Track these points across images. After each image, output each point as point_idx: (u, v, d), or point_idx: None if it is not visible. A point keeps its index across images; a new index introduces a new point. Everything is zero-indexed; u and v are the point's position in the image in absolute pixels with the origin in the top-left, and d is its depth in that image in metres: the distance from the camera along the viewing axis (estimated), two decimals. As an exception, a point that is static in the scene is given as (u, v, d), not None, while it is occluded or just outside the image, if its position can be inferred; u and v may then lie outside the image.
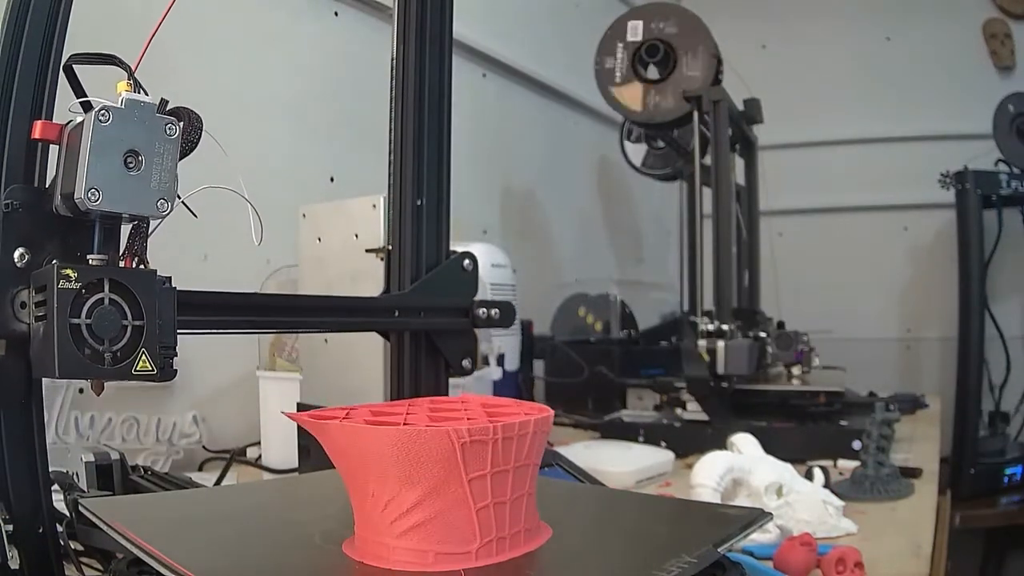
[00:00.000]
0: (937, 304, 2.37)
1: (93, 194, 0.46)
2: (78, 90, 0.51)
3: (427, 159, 0.87)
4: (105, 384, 0.50)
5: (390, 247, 0.83)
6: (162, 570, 0.45)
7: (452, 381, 0.84)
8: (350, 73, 1.43)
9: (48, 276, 0.46)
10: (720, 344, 1.27)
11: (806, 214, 2.59)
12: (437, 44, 0.88)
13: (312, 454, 0.85)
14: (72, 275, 0.46)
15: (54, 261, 0.47)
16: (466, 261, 0.86)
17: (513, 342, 1.36)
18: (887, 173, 2.48)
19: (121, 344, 0.48)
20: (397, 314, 0.80)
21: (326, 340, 0.96)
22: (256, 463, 1.02)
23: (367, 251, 0.89)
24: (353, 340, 0.91)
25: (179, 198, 0.54)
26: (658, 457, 1.11)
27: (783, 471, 0.85)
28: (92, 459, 0.67)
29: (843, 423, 1.23)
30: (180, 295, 0.54)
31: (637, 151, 2.06)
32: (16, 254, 0.49)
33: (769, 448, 0.90)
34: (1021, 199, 1.99)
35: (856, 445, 1.13)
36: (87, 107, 0.48)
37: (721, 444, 0.92)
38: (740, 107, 1.60)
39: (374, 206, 0.90)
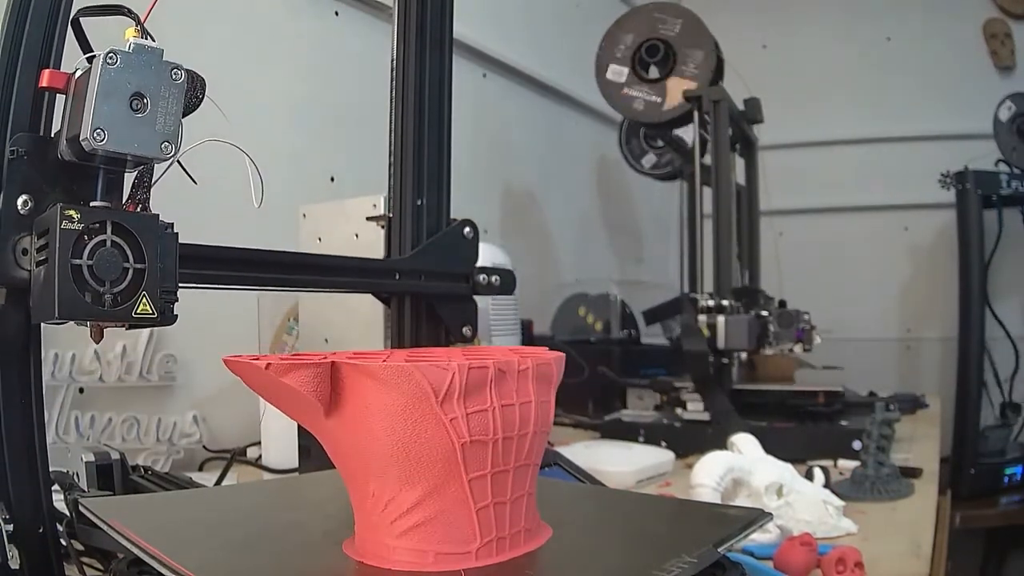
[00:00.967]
0: (937, 304, 2.37)
1: (99, 134, 0.47)
2: (85, 46, 0.52)
3: (427, 159, 0.87)
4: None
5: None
6: (162, 570, 0.45)
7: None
8: (350, 73, 1.43)
9: (51, 218, 0.47)
10: (720, 319, 1.26)
11: (806, 214, 2.59)
12: (437, 44, 0.88)
13: (312, 454, 0.85)
14: (75, 216, 0.47)
15: (58, 203, 0.47)
16: (466, 229, 0.86)
17: (513, 342, 1.36)
18: (887, 173, 2.48)
19: (122, 287, 0.48)
20: (398, 277, 0.80)
21: (327, 340, 0.97)
22: (256, 463, 1.02)
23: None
24: (355, 340, 0.91)
25: (180, 163, 0.54)
26: (658, 457, 1.11)
27: (783, 471, 0.85)
28: (92, 459, 0.67)
29: (843, 423, 1.23)
30: (182, 247, 0.54)
31: (649, 160, 2.06)
32: (19, 201, 0.49)
33: (769, 448, 0.90)
34: (1021, 199, 1.99)
35: (856, 445, 1.13)
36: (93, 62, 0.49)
37: (721, 444, 0.92)
38: (740, 107, 1.60)
39: (374, 206, 0.90)
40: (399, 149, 0.87)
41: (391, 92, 0.90)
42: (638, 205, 2.66)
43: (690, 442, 1.20)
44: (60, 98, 0.51)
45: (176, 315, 0.53)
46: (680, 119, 1.48)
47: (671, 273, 2.30)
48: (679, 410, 1.32)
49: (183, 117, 0.51)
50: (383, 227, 0.85)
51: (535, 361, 0.52)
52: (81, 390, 1.01)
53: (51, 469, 0.57)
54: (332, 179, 1.40)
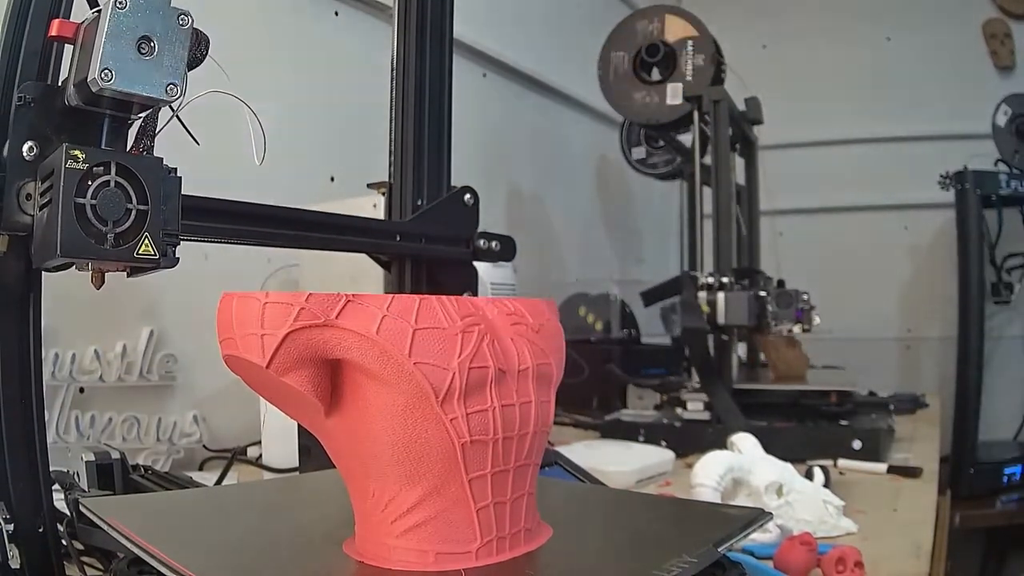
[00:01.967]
0: (937, 304, 2.37)
1: (106, 74, 0.47)
2: (91, 2, 0.52)
3: (427, 159, 0.87)
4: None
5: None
6: (162, 570, 0.45)
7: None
8: (350, 73, 1.43)
9: (56, 158, 0.47)
10: (720, 295, 1.26)
11: (806, 214, 2.59)
12: (437, 44, 0.89)
13: (312, 454, 0.85)
14: (80, 156, 0.47)
15: (64, 144, 0.48)
16: (467, 196, 0.87)
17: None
18: (887, 173, 2.48)
19: (124, 227, 0.49)
20: (399, 239, 0.81)
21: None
22: (257, 462, 1.02)
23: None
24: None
25: (179, 118, 0.55)
26: (658, 457, 1.11)
27: (783, 470, 0.85)
28: (93, 458, 0.67)
29: (843, 423, 1.23)
30: (184, 199, 0.54)
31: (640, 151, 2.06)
32: (25, 147, 0.50)
33: (769, 448, 0.90)
34: (1021, 199, 1.99)
35: (857, 445, 1.14)
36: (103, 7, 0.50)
37: (721, 444, 0.92)
38: (740, 107, 1.60)
39: (375, 206, 0.90)
40: (399, 149, 0.87)
41: (391, 92, 0.90)
42: (638, 205, 2.66)
43: (690, 442, 1.20)
44: (67, 54, 0.52)
45: (178, 258, 0.53)
46: (681, 120, 1.48)
47: (671, 273, 2.29)
48: (679, 410, 1.32)
49: (187, 71, 0.52)
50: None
51: (535, 360, 0.52)
52: (81, 390, 1.01)
53: (51, 469, 0.57)
54: (332, 179, 1.40)
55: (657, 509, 0.68)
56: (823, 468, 0.91)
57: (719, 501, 0.79)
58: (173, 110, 0.54)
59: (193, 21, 0.52)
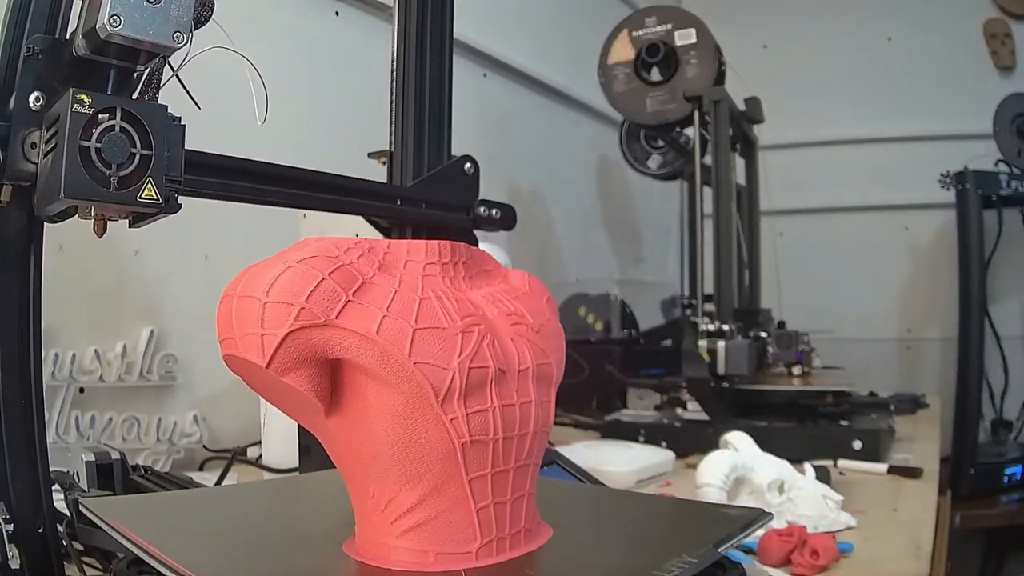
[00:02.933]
0: (937, 304, 2.37)
1: (115, 20, 0.48)
2: None
3: (428, 159, 0.87)
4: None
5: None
6: (162, 570, 0.45)
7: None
8: (351, 73, 1.43)
9: (63, 103, 0.48)
10: (720, 344, 1.27)
11: (806, 214, 2.59)
12: (437, 44, 0.89)
13: (312, 454, 0.85)
14: (87, 100, 0.48)
15: (71, 88, 0.49)
16: (467, 164, 0.87)
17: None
18: (887, 173, 2.48)
19: (128, 171, 0.49)
20: (399, 203, 0.81)
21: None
22: (257, 463, 1.02)
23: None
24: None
25: (178, 78, 0.55)
26: (658, 457, 1.11)
27: (782, 467, 0.85)
28: (92, 459, 0.66)
29: (843, 423, 1.23)
30: (186, 153, 0.55)
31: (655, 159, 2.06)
32: (32, 97, 0.51)
33: (769, 448, 0.90)
34: (1021, 199, 1.99)
35: (857, 445, 1.14)
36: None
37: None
38: (741, 107, 1.60)
39: (374, 206, 0.90)
40: (400, 149, 0.87)
41: (391, 92, 0.90)
42: (638, 205, 2.66)
43: (690, 442, 1.20)
44: (75, 12, 0.52)
45: (180, 204, 0.53)
46: (682, 120, 1.48)
47: (671, 273, 2.30)
48: (679, 410, 1.32)
49: (192, 30, 0.53)
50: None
51: (535, 361, 0.52)
52: (81, 390, 1.01)
53: (51, 469, 0.57)
54: (332, 179, 1.40)
55: (657, 509, 0.68)
56: (815, 466, 0.91)
57: (725, 501, 0.79)
58: (173, 69, 0.55)
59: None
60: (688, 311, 1.83)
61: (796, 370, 1.37)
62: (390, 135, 0.88)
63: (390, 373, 0.45)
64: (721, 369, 1.26)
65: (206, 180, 0.65)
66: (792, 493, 0.82)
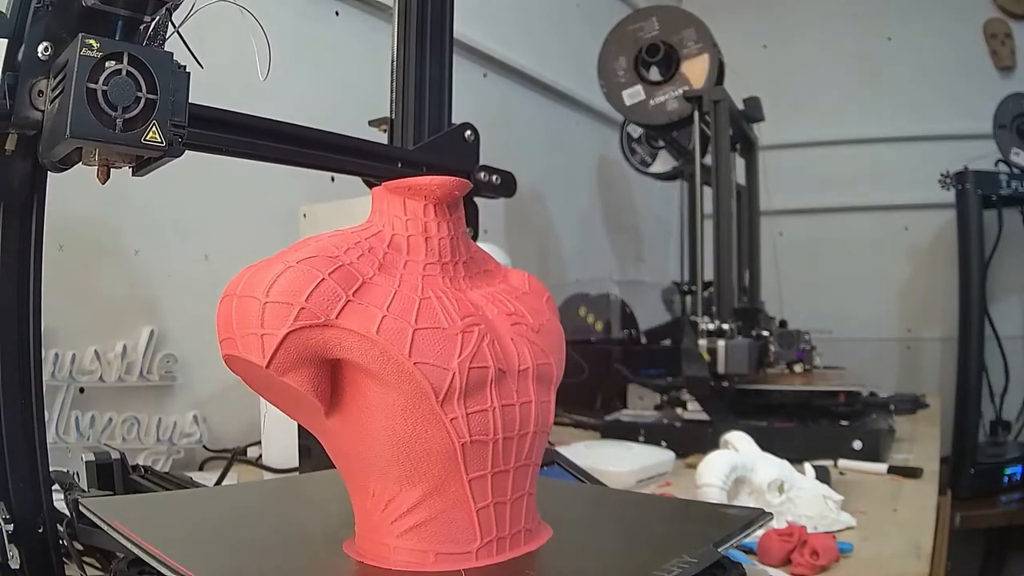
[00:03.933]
0: (937, 304, 2.37)
1: None
2: None
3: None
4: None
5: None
6: (162, 570, 0.45)
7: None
8: (351, 72, 1.43)
9: (72, 48, 0.49)
10: (720, 343, 1.27)
11: (806, 214, 2.59)
12: (437, 44, 0.89)
13: (312, 454, 0.85)
14: (95, 45, 0.49)
15: (79, 33, 0.49)
16: (467, 132, 0.87)
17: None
18: (887, 173, 2.48)
19: (133, 114, 0.50)
20: (400, 166, 0.81)
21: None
22: (257, 463, 1.02)
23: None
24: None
25: (180, 35, 0.56)
26: (658, 457, 1.11)
27: (782, 467, 0.85)
28: (92, 459, 0.67)
29: (843, 423, 1.23)
30: (191, 107, 0.55)
31: (663, 161, 2.06)
32: (40, 47, 0.52)
33: (769, 448, 0.90)
34: (1021, 199, 1.99)
35: (857, 445, 1.13)
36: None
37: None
38: (740, 107, 1.60)
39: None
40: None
41: (391, 92, 0.90)
42: (638, 205, 2.66)
43: (690, 442, 1.20)
44: None
45: (184, 148, 0.54)
46: (682, 120, 1.48)
47: (671, 273, 2.30)
48: (679, 410, 1.32)
49: None
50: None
51: (535, 361, 0.52)
52: (81, 390, 1.01)
53: (51, 469, 0.57)
54: (332, 179, 1.40)
55: (657, 509, 0.68)
56: (815, 466, 0.91)
57: (726, 501, 0.79)
58: (175, 26, 0.56)
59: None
60: (688, 297, 1.83)
61: (797, 368, 1.37)
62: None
63: (390, 373, 0.45)
64: (721, 368, 1.26)
65: (207, 134, 0.66)
66: (792, 493, 0.82)
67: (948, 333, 2.14)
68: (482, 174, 0.88)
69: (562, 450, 1.00)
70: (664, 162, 2.05)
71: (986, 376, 2.02)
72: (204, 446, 1.12)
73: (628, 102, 1.53)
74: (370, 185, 0.86)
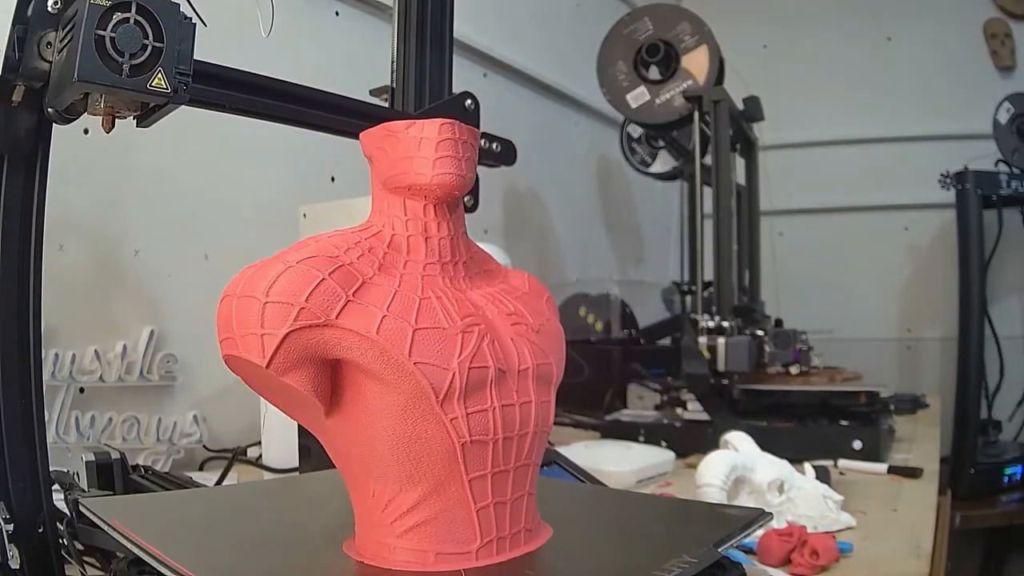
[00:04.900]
0: (937, 304, 2.37)
1: None
2: None
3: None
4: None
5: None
6: (162, 570, 0.45)
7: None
8: (351, 72, 1.43)
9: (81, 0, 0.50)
10: (720, 341, 1.27)
11: (806, 214, 2.59)
12: (437, 44, 0.89)
13: (312, 454, 0.85)
14: None
15: None
16: (468, 101, 0.87)
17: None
18: (887, 173, 2.48)
19: (140, 60, 0.52)
20: None
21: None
22: (257, 463, 1.02)
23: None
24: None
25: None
26: (658, 457, 1.11)
27: (782, 467, 0.85)
28: (92, 458, 0.67)
29: (843, 423, 1.23)
30: (196, 63, 0.56)
31: (663, 161, 2.06)
32: (50, 1, 0.53)
33: (769, 448, 0.90)
34: (1021, 199, 1.99)
35: (857, 445, 1.13)
36: None
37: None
38: (741, 107, 1.60)
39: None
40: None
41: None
42: (638, 205, 2.66)
43: (690, 442, 1.20)
44: None
45: (188, 95, 0.55)
46: (681, 120, 1.48)
47: (671, 273, 2.29)
48: (679, 410, 1.32)
49: None
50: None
51: (535, 361, 0.52)
52: (81, 390, 1.01)
53: (51, 469, 0.57)
54: (332, 179, 1.40)
55: (657, 509, 0.68)
56: (815, 466, 0.91)
57: (725, 501, 0.79)
58: None
59: None
60: (688, 297, 1.83)
61: (794, 370, 1.36)
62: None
63: (390, 373, 0.45)
64: (721, 366, 1.26)
65: (208, 90, 0.67)
66: (792, 493, 0.82)
67: (948, 333, 2.14)
68: (483, 141, 0.87)
69: (562, 450, 1.00)
70: (664, 162, 2.05)
71: (984, 378, 2.02)
72: (204, 446, 1.12)
73: (634, 104, 1.53)
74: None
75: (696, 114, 1.42)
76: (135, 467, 0.74)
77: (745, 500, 0.83)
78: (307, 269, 0.45)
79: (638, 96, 1.52)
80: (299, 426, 0.62)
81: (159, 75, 0.52)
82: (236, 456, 1.01)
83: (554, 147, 2.20)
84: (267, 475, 0.98)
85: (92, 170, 1.01)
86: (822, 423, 1.24)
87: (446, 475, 0.47)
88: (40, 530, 0.54)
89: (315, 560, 0.50)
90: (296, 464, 0.90)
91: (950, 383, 2.02)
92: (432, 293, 0.49)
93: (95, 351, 1.01)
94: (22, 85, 0.54)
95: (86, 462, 0.66)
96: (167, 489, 0.69)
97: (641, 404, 1.50)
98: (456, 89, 0.92)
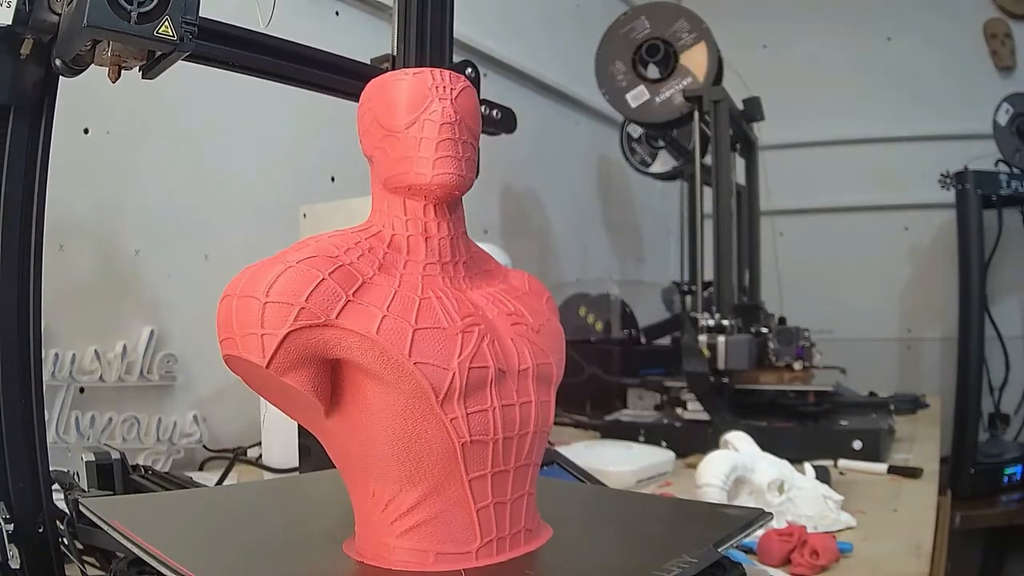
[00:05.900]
0: (937, 304, 2.37)
1: None
2: None
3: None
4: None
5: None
6: (162, 570, 0.45)
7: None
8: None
9: None
10: (720, 339, 1.27)
11: (806, 214, 2.59)
12: (437, 44, 0.89)
13: (312, 454, 0.85)
14: None
15: None
16: (468, 70, 0.87)
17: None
18: (887, 173, 2.48)
19: (148, 8, 0.53)
20: None
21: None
22: (257, 463, 1.02)
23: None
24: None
25: None
26: (658, 457, 1.11)
27: (782, 467, 0.85)
28: (93, 458, 0.67)
29: (843, 423, 1.23)
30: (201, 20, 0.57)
31: (663, 161, 2.06)
32: None
33: (769, 448, 0.90)
34: (1021, 199, 1.99)
35: (857, 445, 1.13)
36: None
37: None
38: (741, 107, 1.60)
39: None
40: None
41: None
42: (638, 205, 2.66)
43: (690, 442, 1.20)
44: None
45: (194, 43, 0.56)
46: (681, 119, 1.48)
47: (671, 273, 2.29)
48: (679, 410, 1.32)
49: None
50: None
51: (535, 361, 0.52)
52: (81, 390, 1.01)
53: (51, 469, 0.57)
54: (332, 179, 1.40)
55: (657, 509, 0.68)
56: (815, 466, 0.91)
57: (725, 501, 0.79)
58: None
59: None
60: (688, 297, 1.83)
61: (797, 366, 1.37)
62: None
63: (390, 373, 0.45)
64: (721, 364, 1.26)
65: (213, 47, 0.68)
66: (792, 493, 0.82)
67: (948, 333, 2.14)
68: (483, 108, 0.87)
69: (562, 450, 1.00)
70: (664, 162, 2.05)
71: (986, 372, 2.02)
72: (204, 446, 1.12)
73: (633, 104, 1.53)
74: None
75: (696, 114, 1.42)
76: (135, 467, 0.74)
77: (745, 500, 0.83)
78: (307, 269, 0.45)
79: (638, 95, 1.52)
80: (299, 426, 0.62)
81: (166, 23, 0.53)
82: (236, 456, 1.01)
83: (554, 147, 2.20)
84: (267, 475, 0.98)
85: (92, 170, 1.01)
86: (822, 423, 1.24)
87: (446, 475, 0.47)
88: (40, 530, 0.54)
89: (315, 560, 0.50)
90: (296, 464, 0.90)
91: (950, 383, 2.02)
92: (432, 293, 0.49)
93: (95, 351, 1.01)
94: (31, 38, 0.55)
95: (86, 462, 0.66)
96: (167, 489, 0.69)
97: (641, 404, 1.50)
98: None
